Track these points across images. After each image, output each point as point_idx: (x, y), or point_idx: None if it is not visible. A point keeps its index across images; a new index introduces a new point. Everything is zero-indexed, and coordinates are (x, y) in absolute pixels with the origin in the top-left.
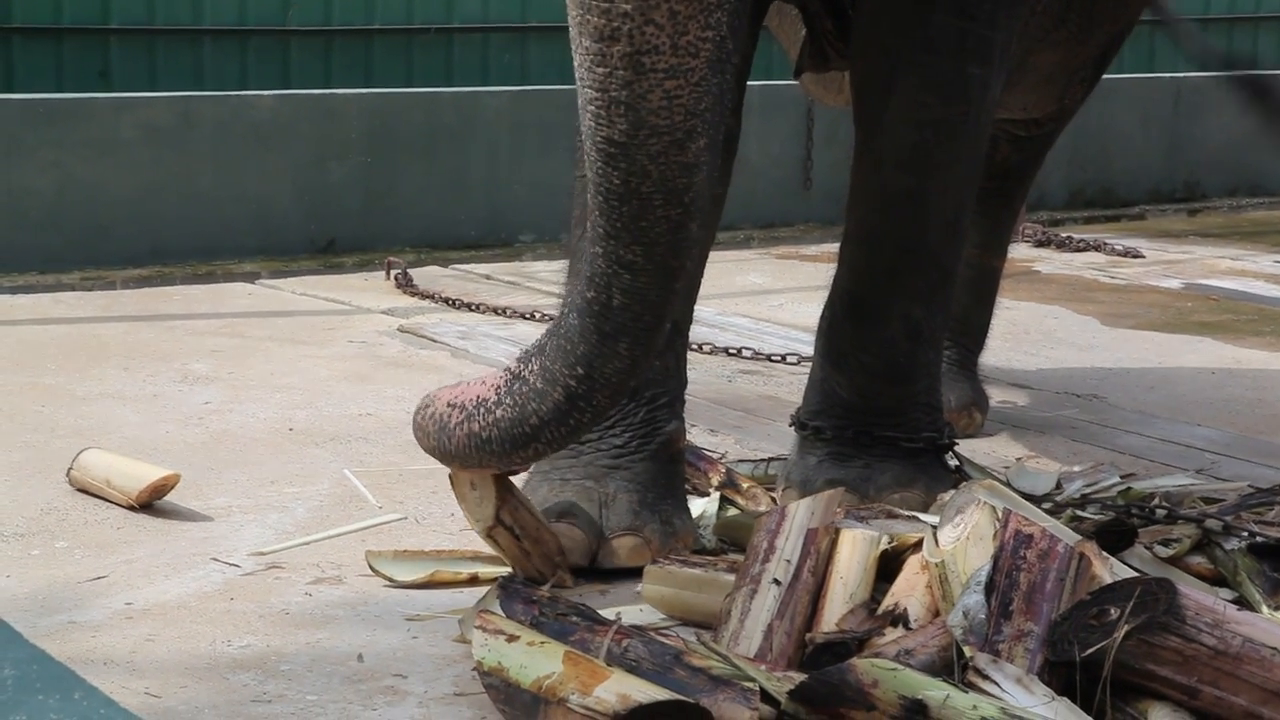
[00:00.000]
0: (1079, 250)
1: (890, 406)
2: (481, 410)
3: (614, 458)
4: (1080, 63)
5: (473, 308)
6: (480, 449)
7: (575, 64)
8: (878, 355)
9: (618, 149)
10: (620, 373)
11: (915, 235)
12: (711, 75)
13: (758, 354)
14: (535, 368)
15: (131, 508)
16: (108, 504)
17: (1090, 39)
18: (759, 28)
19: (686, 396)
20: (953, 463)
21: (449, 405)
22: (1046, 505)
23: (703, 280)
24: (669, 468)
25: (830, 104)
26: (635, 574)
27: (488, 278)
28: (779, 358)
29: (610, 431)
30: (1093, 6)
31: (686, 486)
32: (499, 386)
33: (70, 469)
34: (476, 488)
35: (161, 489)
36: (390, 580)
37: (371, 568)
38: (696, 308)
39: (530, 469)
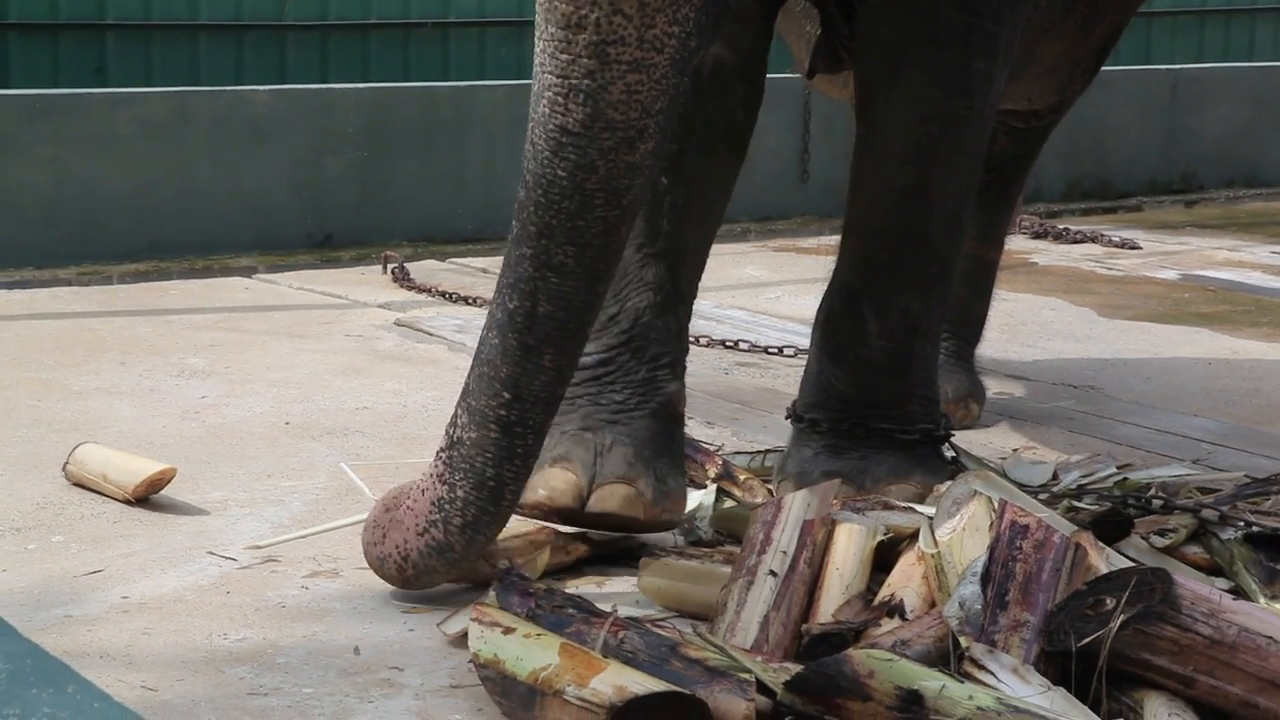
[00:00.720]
0: (1076, 242)
1: (887, 399)
2: (446, 505)
3: (613, 413)
4: (1084, 54)
5: (469, 301)
6: (475, 533)
7: (536, 50)
8: (876, 348)
9: (570, 139)
10: (548, 386)
11: (917, 228)
12: (672, 74)
13: (754, 346)
14: (462, 420)
15: (128, 502)
16: (104, 498)
17: (1095, 30)
18: (772, 26)
19: None
20: (949, 454)
21: (420, 534)
22: (1043, 496)
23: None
24: (668, 428)
25: (835, 97)
26: (632, 567)
27: (484, 271)
28: (776, 350)
29: (611, 388)
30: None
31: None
32: (439, 473)
33: (66, 463)
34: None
35: (158, 483)
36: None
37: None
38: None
39: None
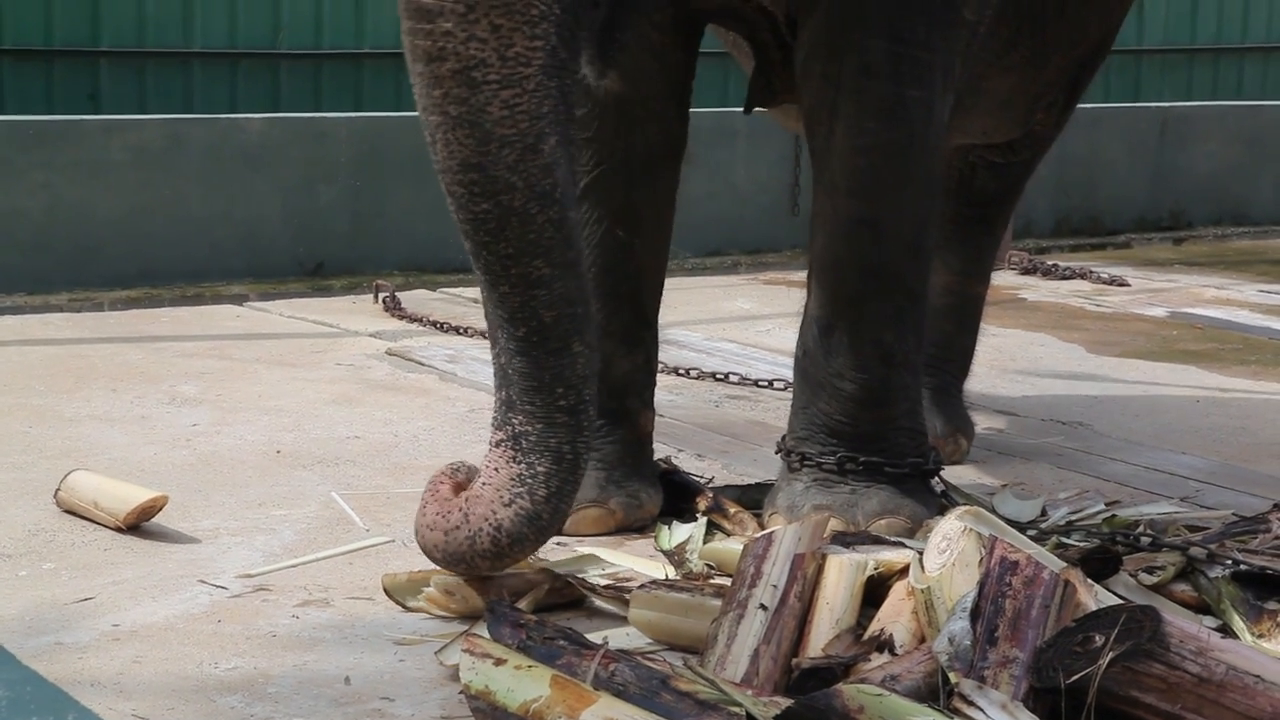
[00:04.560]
0: (1065, 278)
1: (871, 431)
2: (529, 479)
3: None
4: (1040, 88)
5: (460, 331)
6: (560, 501)
7: (415, 95)
8: (853, 381)
9: (476, 171)
10: (587, 365)
11: (875, 260)
12: (548, 80)
13: (745, 379)
14: (518, 420)
15: (119, 529)
16: (95, 525)
17: (1047, 64)
18: (696, 50)
19: (673, 421)
20: (938, 489)
21: (508, 504)
22: (1032, 532)
23: (690, 305)
24: (636, 448)
25: (793, 130)
26: (622, 600)
27: (475, 301)
28: (766, 383)
29: None
30: (1044, 32)
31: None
32: (510, 456)
33: (58, 490)
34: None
35: (149, 511)
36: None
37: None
38: (684, 332)
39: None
